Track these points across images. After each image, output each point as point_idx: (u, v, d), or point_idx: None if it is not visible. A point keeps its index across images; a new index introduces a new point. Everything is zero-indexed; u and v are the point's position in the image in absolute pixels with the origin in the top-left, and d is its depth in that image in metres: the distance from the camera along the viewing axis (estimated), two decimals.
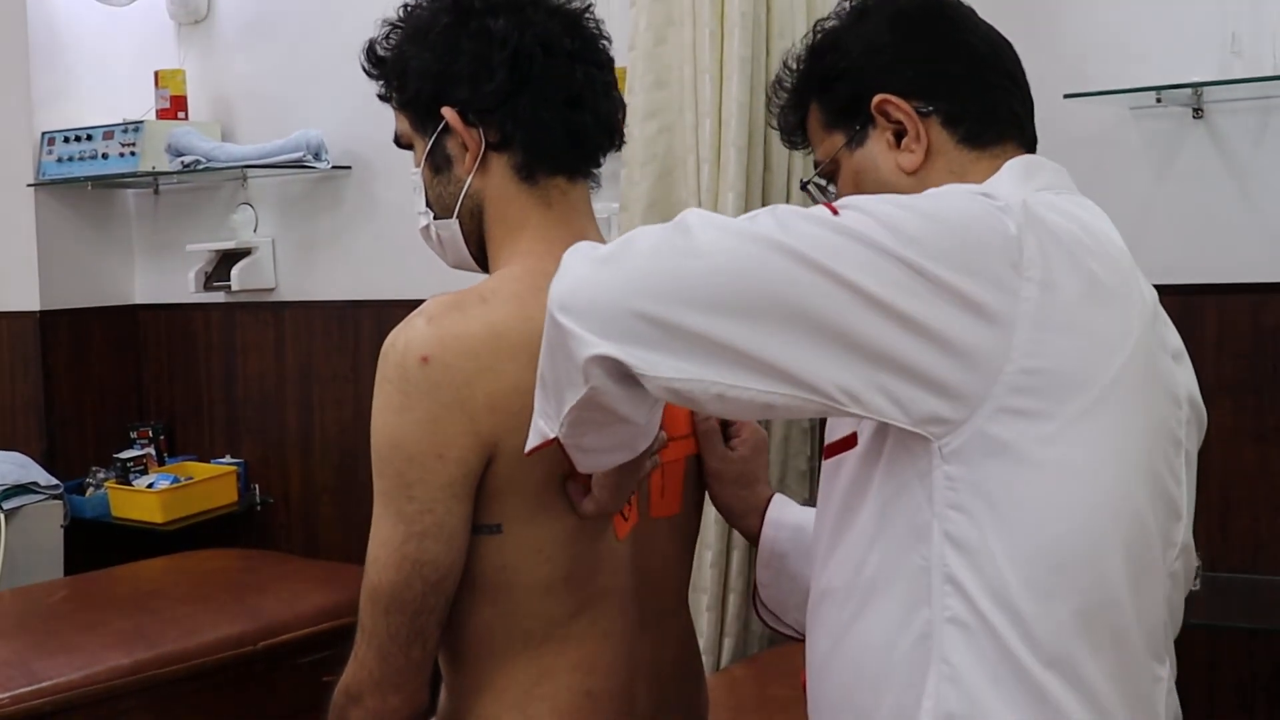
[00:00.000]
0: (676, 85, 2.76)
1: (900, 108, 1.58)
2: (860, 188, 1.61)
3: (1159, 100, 2.87)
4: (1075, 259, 1.38)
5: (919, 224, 1.32)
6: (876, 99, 1.58)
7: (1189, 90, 2.84)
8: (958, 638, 1.38)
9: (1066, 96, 2.82)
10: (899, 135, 1.59)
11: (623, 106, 1.81)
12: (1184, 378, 1.57)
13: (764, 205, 2.74)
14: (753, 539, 1.88)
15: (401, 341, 1.59)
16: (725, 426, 1.84)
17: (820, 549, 1.57)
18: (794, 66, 1.70)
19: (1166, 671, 1.51)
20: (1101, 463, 1.39)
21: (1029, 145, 1.63)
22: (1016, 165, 1.56)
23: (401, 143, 1.82)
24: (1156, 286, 1.53)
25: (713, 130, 2.70)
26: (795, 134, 1.74)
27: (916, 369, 1.31)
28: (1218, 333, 2.90)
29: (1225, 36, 2.80)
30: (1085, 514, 1.38)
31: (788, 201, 2.80)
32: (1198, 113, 2.90)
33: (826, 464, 1.58)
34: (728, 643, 2.98)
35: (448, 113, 1.70)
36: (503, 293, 1.65)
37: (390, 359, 1.60)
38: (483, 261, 1.80)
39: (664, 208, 2.77)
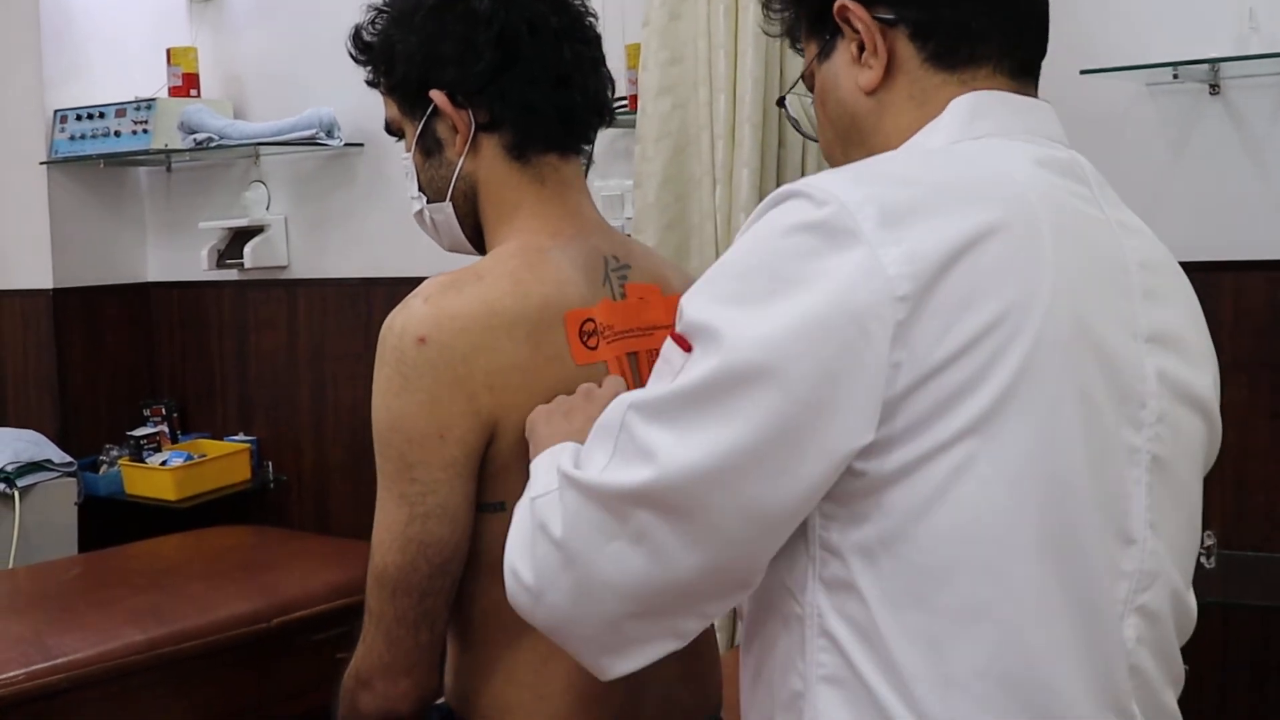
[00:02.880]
0: (691, 61, 2.75)
1: (858, 15, 1.37)
2: (825, 106, 1.45)
3: (1176, 76, 2.85)
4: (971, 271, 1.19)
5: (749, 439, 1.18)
6: (837, 4, 1.38)
7: (1206, 66, 2.82)
8: (834, 699, 1.23)
9: (1083, 72, 2.81)
10: (862, 48, 1.38)
11: (611, 82, 1.81)
12: (1159, 366, 1.31)
13: (778, 182, 2.73)
14: None
15: (398, 323, 1.59)
16: None
17: None
18: None
19: None
20: (994, 481, 1.18)
21: (1018, 70, 1.39)
22: (961, 105, 1.35)
23: (392, 129, 1.81)
24: None
25: (727, 106, 2.69)
26: (797, 37, 1.53)
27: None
28: (1234, 310, 2.88)
29: (1243, 12, 2.78)
30: (976, 545, 1.19)
31: (802, 176, 2.78)
32: (1214, 89, 2.88)
33: None
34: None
35: (436, 95, 1.70)
36: (498, 270, 1.64)
37: (388, 341, 1.60)
38: (478, 243, 1.80)
39: (677, 184, 2.76)
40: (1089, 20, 2.98)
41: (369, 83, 1.80)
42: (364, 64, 1.79)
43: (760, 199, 2.66)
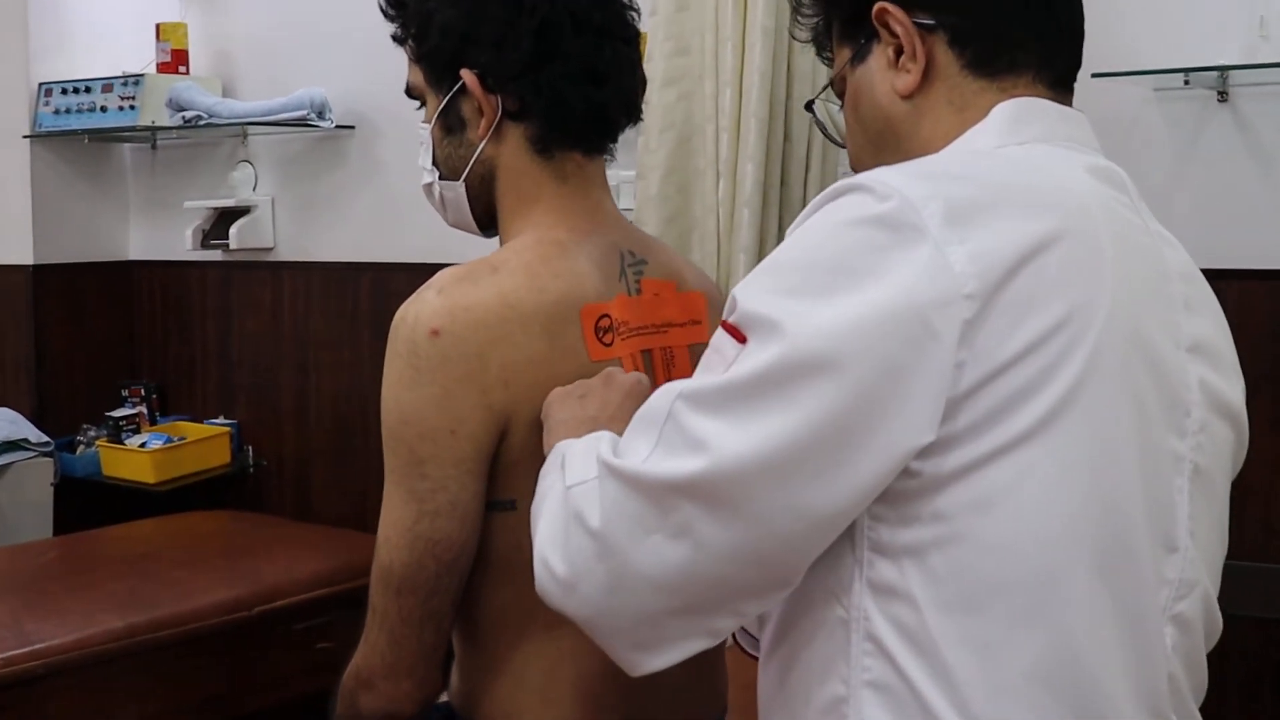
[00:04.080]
0: (698, 53, 2.71)
1: (898, 19, 1.37)
2: (858, 110, 1.45)
3: (1187, 82, 2.83)
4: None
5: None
6: (876, 7, 1.37)
7: (1215, 73, 2.80)
8: (879, 704, 1.21)
9: (1094, 76, 2.78)
10: (899, 52, 1.38)
11: (644, 82, 1.77)
12: (1200, 376, 1.33)
13: (783, 177, 2.71)
14: None
15: (411, 315, 1.56)
16: None
17: None
18: None
19: None
20: (1056, 485, 1.18)
21: (1056, 82, 1.40)
22: (1006, 111, 1.35)
23: (413, 94, 1.77)
24: None
25: (733, 99, 2.66)
26: (825, 44, 1.53)
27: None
28: (1237, 318, 2.82)
29: (1254, 20, 2.75)
30: (1035, 549, 1.18)
31: (806, 172, 2.75)
32: (1222, 96, 2.86)
33: None
34: None
35: (467, 75, 1.66)
36: (513, 263, 1.61)
37: (400, 333, 1.56)
38: (484, 224, 1.76)
39: (681, 176, 2.73)
40: (1100, 24, 2.93)
41: (395, 38, 1.76)
42: (393, 19, 1.74)
43: (764, 194, 2.65)
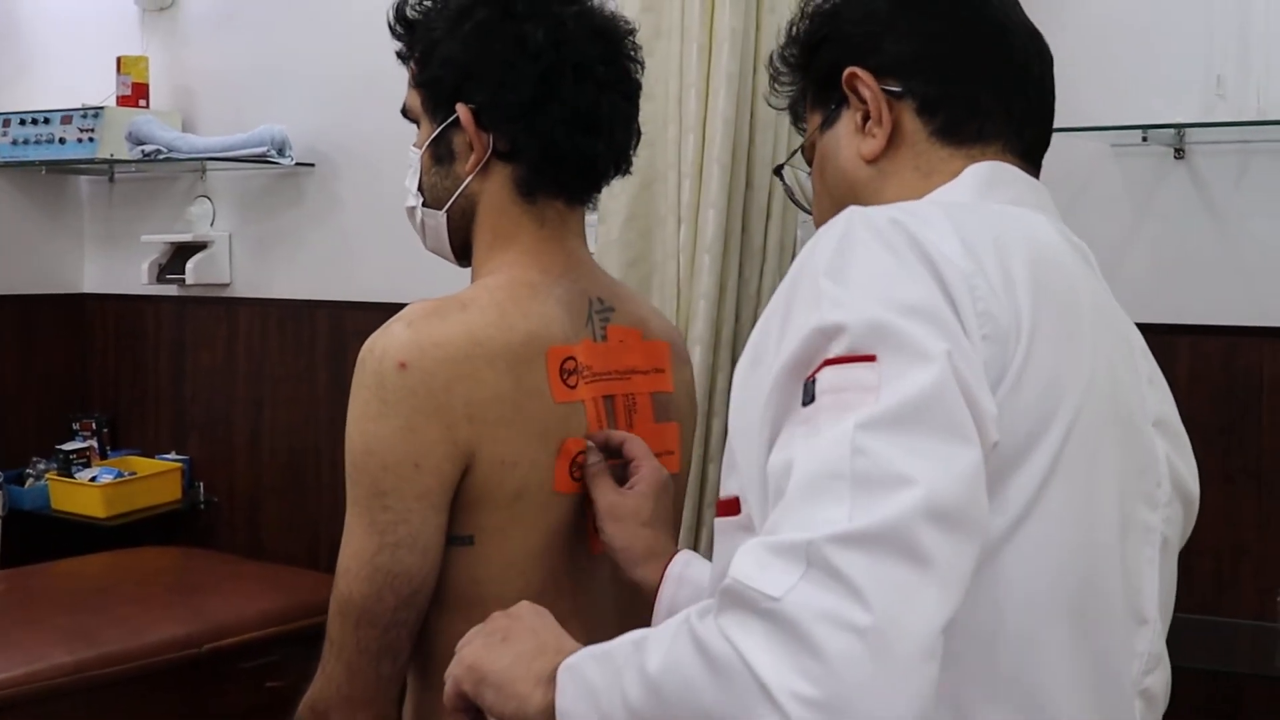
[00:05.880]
0: (661, 98, 2.72)
1: (867, 84, 1.37)
2: (824, 174, 1.45)
3: (1145, 139, 2.87)
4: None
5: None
6: (846, 72, 1.38)
7: (1171, 130, 2.84)
8: None
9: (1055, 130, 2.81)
10: (867, 118, 1.38)
11: (639, 136, 1.77)
12: (1165, 451, 1.32)
13: (744, 224, 2.72)
14: (652, 592, 1.61)
15: (379, 347, 1.56)
16: (622, 468, 1.68)
17: None
18: (795, 33, 1.50)
19: None
20: (1048, 549, 1.15)
21: (1024, 154, 1.40)
22: (980, 171, 1.35)
23: (409, 116, 1.78)
24: None
25: (696, 146, 2.66)
26: (800, 114, 1.54)
27: None
28: (1189, 373, 2.90)
29: (1211, 79, 2.80)
30: (1023, 615, 1.15)
31: (767, 219, 2.76)
32: (1179, 153, 2.90)
33: (717, 522, 1.30)
34: None
35: (462, 110, 1.67)
36: (483, 300, 1.62)
37: (368, 365, 1.56)
38: (460, 254, 1.77)
39: (642, 221, 2.73)
40: (1059, 80, 2.96)
41: (399, 55, 1.76)
42: (399, 39, 1.75)
43: (725, 240, 2.65)
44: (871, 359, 1.07)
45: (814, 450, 1.05)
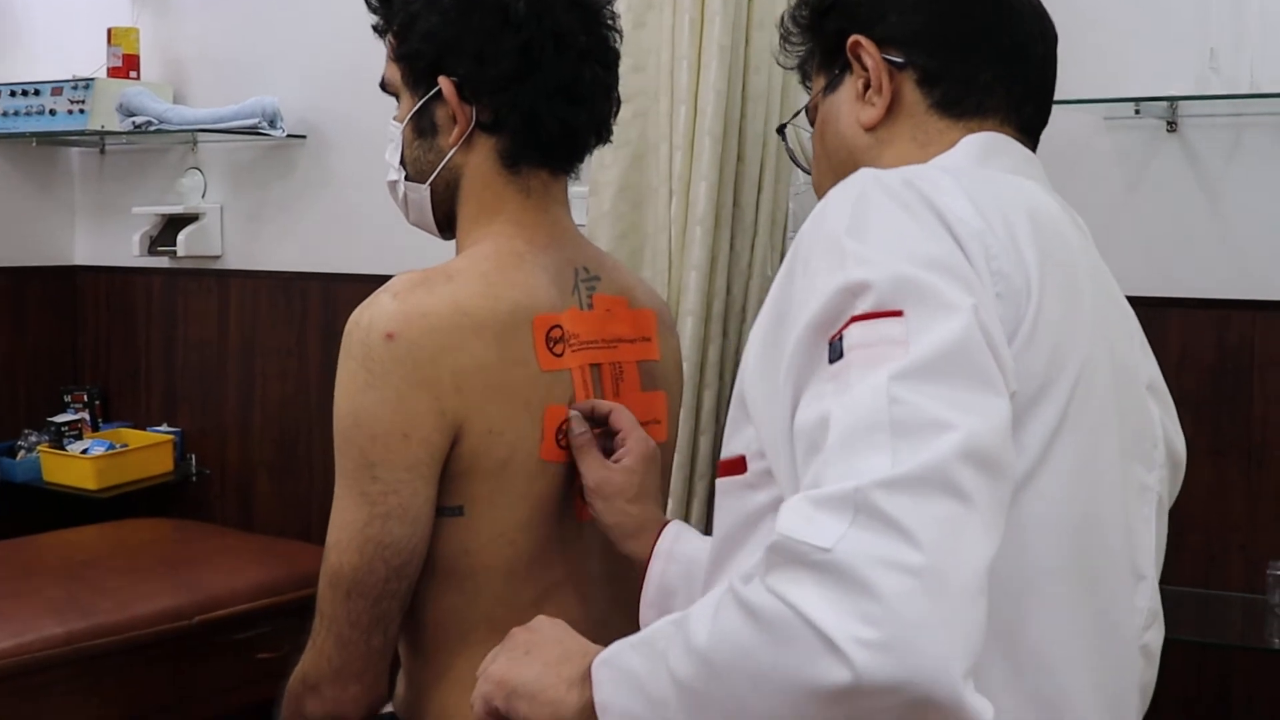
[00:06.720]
0: (653, 70, 2.71)
1: (870, 53, 1.42)
2: (824, 138, 1.48)
3: (1137, 112, 2.86)
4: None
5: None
6: (850, 39, 1.42)
7: (1164, 104, 2.84)
8: None
9: None
10: (868, 86, 1.43)
11: (618, 104, 1.78)
12: (1158, 415, 1.38)
13: (736, 196, 2.71)
14: (643, 565, 1.65)
15: (366, 318, 1.56)
16: (608, 439, 1.70)
17: (705, 590, 1.33)
18: None
19: None
20: (1052, 504, 1.18)
21: (1022, 129, 1.44)
22: (975, 141, 1.39)
23: (388, 90, 1.78)
24: None
25: (688, 117, 2.66)
26: (808, 73, 1.57)
27: None
28: (1180, 347, 2.90)
29: (1204, 52, 2.79)
30: (1025, 570, 1.17)
31: (759, 192, 2.76)
32: (1171, 126, 2.90)
33: (719, 483, 1.33)
34: None
35: (444, 83, 1.67)
36: (470, 271, 1.62)
37: (354, 336, 1.56)
38: (444, 227, 1.77)
39: (634, 193, 2.72)
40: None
41: (376, 29, 1.76)
42: (376, 11, 1.74)
43: (716, 213, 2.65)
44: (899, 314, 1.08)
45: (850, 404, 1.05)
